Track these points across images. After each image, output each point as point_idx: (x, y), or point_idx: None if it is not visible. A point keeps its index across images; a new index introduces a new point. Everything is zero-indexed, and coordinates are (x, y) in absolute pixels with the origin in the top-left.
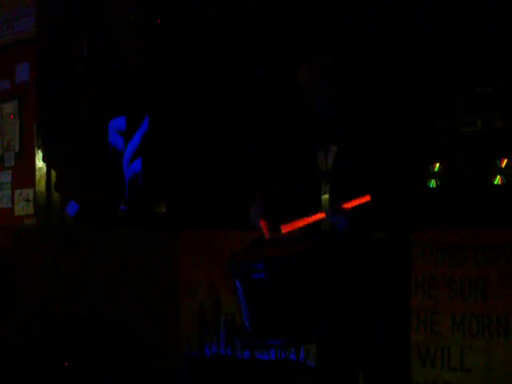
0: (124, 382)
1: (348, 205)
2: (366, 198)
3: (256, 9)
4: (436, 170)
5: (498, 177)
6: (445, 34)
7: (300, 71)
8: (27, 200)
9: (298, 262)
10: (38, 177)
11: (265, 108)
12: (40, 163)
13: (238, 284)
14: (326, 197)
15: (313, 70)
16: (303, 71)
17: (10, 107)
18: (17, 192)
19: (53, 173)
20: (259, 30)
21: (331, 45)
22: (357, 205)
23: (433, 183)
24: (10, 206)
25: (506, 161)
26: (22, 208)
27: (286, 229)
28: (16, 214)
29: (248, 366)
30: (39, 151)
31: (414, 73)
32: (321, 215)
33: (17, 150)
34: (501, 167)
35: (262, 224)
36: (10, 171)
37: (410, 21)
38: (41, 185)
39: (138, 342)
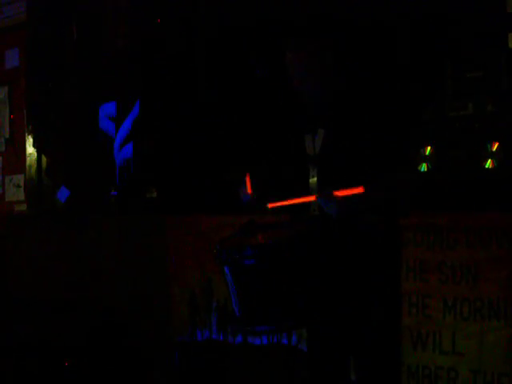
0: (115, 367)
1: (339, 193)
2: (359, 190)
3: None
4: (427, 153)
5: (489, 160)
6: (435, 18)
7: (288, 58)
8: (18, 186)
9: (287, 247)
10: (28, 163)
11: (253, 93)
12: (30, 149)
13: (226, 270)
14: (313, 180)
15: (300, 57)
16: (291, 58)
17: None
18: (7, 178)
19: (43, 158)
20: (248, 18)
21: (318, 32)
22: (348, 194)
23: (424, 167)
24: (0, 192)
25: (496, 144)
26: (13, 194)
27: (272, 205)
28: (6, 200)
29: (240, 350)
30: (29, 137)
31: (403, 57)
32: (311, 198)
33: (7, 136)
34: (492, 151)
35: (247, 180)
36: (1, 157)
37: (399, 6)
38: (31, 171)
39: (129, 327)
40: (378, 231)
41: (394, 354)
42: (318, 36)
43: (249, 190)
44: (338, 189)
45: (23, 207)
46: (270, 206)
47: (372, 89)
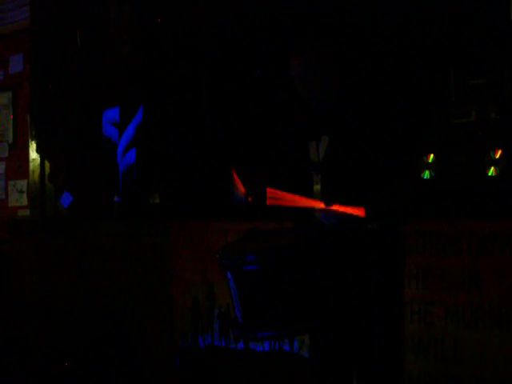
0: (118, 374)
1: (341, 208)
2: (360, 211)
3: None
4: (430, 161)
5: (493, 168)
6: (439, 25)
7: (293, 63)
8: (21, 191)
9: (289, 253)
10: (31, 168)
11: (258, 99)
12: (34, 154)
13: (229, 276)
14: (317, 187)
15: (305, 62)
16: (296, 63)
17: (3, 98)
18: (10, 183)
19: (47, 164)
20: (252, 21)
21: (324, 37)
22: (348, 212)
23: (427, 174)
24: (3, 197)
25: (500, 152)
26: (16, 199)
27: (271, 202)
28: (10, 205)
29: (242, 357)
30: (33, 142)
31: (407, 64)
32: (317, 203)
33: (10, 141)
34: (495, 158)
35: (235, 177)
36: (4, 162)
37: (403, 13)
38: (34, 176)
39: (132, 334)
40: (381, 238)
41: (396, 361)
42: (324, 42)
43: (241, 189)
44: (341, 199)
45: (26, 212)
46: (268, 202)
47: (376, 96)
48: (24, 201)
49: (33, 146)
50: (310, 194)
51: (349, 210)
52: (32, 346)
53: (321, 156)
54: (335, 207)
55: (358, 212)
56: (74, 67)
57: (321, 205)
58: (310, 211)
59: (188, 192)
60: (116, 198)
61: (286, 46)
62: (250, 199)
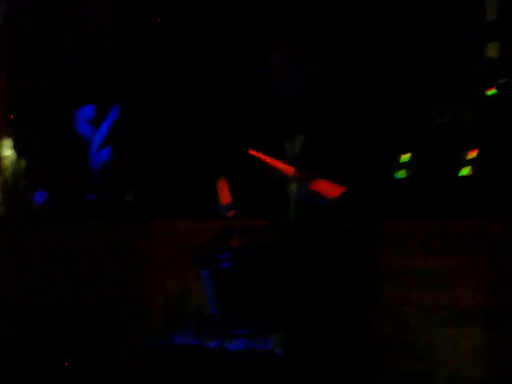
0: (92, 372)
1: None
2: (340, 189)
3: None
4: (405, 160)
5: (467, 168)
6: (414, 26)
7: (273, 57)
8: None
9: (263, 251)
10: (5, 164)
11: (234, 97)
12: (8, 151)
13: (204, 274)
14: (293, 185)
15: (285, 58)
16: (276, 57)
17: None
18: None
19: (21, 161)
20: (230, 16)
21: (304, 32)
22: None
23: (401, 174)
24: None
25: (474, 152)
26: None
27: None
28: None
29: (216, 355)
30: (8, 139)
31: (384, 64)
32: (289, 168)
33: None
34: (469, 159)
35: (221, 192)
36: None
37: (385, 13)
38: (8, 173)
39: (106, 333)
40: (356, 237)
41: (370, 360)
42: (305, 37)
43: (226, 200)
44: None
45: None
46: (251, 151)
47: (352, 95)
48: None
49: (7, 143)
50: (285, 193)
51: (328, 185)
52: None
53: (296, 154)
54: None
55: (337, 190)
56: (50, 63)
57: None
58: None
59: (162, 190)
60: (90, 196)
61: (267, 40)
62: (232, 212)
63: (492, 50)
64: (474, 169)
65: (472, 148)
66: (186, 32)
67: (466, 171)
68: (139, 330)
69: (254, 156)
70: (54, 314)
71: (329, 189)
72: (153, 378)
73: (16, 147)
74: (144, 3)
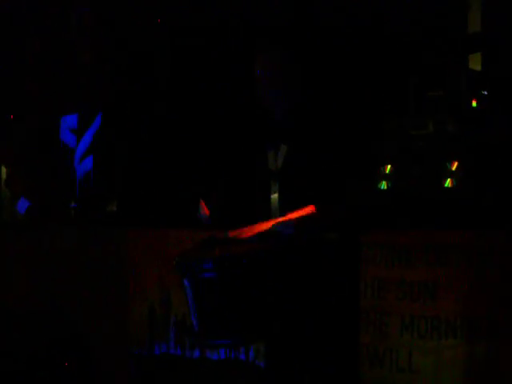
0: (72, 379)
1: (293, 215)
2: (310, 209)
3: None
4: (387, 171)
5: (449, 180)
6: (397, 36)
7: (255, 65)
8: None
9: (246, 261)
10: None
11: (216, 107)
12: None
13: (186, 283)
14: (275, 196)
15: (267, 65)
16: (258, 65)
17: None
18: None
19: (3, 169)
20: (213, 26)
21: (286, 41)
22: (301, 215)
23: (383, 185)
24: None
25: (456, 164)
26: None
27: (233, 233)
28: None
29: (197, 365)
30: None
31: (366, 74)
32: (267, 225)
33: None
34: (451, 170)
35: (202, 204)
36: None
37: (365, 22)
38: None
39: (86, 339)
40: (337, 248)
41: (351, 371)
42: (285, 48)
43: (206, 212)
44: (295, 207)
45: None
46: (230, 234)
47: (334, 105)
48: None
49: None
50: (267, 203)
51: (300, 212)
52: None
53: (279, 165)
54: (288, 216)
55: (308, 210)
56: (32, 72)
57: (275, 222)
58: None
59: (145, 200)
60: (73, 205)
61: (248, 50)
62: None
63: (474, 62)
64: (455, 180)
65: (454, 159)
66: (170, 39)
67: (447, 183)
68: (120, 338)
69: (236, 168)
70: (35, 320)
71: (301, 212)
72: None
73: None
74: (125, 12)
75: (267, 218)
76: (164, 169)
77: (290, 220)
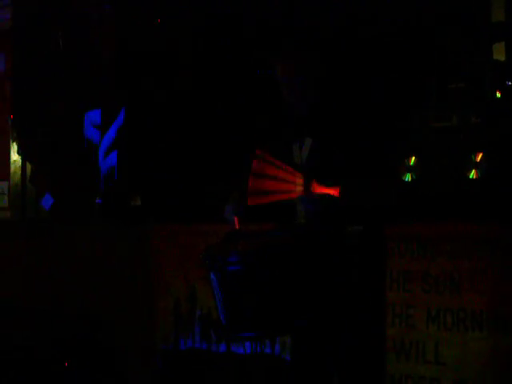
0: (99, 378)
1: (318, 190)
2: (335, 190)
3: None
4: (411, 163)
5: (473, 171)
6: (419, 29)
7: (278, 66)
8: (2, 193)
9: (272, 254)
10: (12, 169)
11: (241, 103)
12: (15, 156)
13: (212, 277)
14: (299, 189)
15: (291, 66)
16: (281, 66)
17: None
18: None
19: (28, 166)
20: (237, 25)
21: (309, 42)
22: (325, 192)
23: (408, 177)
24: None
25: (480, 155)
26: None
27: (252, 202)
28: None
29: (223, 359)
30: (14, 144)
31: (389, 69)
32: (292, 195)
33: None
34: (476, 161)
35: (236, 221)
36: None
37: (386, 19)
38: (16, 178)
39: (114, 337)
40: (363, 241)
41: (378, 363)
42: (307, 49)
43: (236, 223)
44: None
45: (7, 214)
46: (249, 202)
47: (359, 99)
48: (5, 202)
49: (14, 148)
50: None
51: (324, 189)
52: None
53: (304, 158)
54: (313, 186)
55: (333, 192)
56: (56, 69)
57: (300, 181)
58: (293, 213)
59: (169, 194)
60: (97, 200)
61: (270, 53)
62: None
63: (498, 52)
64: (479, 172)
65: (479, 151)
66: (194, 36)
67: (472, 174)
68: (146, 334)
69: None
70: (59, 317)
71: (326, 189)
72: (157, 382)
73: (22, 152)
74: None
75: (292, 211)
76: (188, 163)
77: (315, 195)
